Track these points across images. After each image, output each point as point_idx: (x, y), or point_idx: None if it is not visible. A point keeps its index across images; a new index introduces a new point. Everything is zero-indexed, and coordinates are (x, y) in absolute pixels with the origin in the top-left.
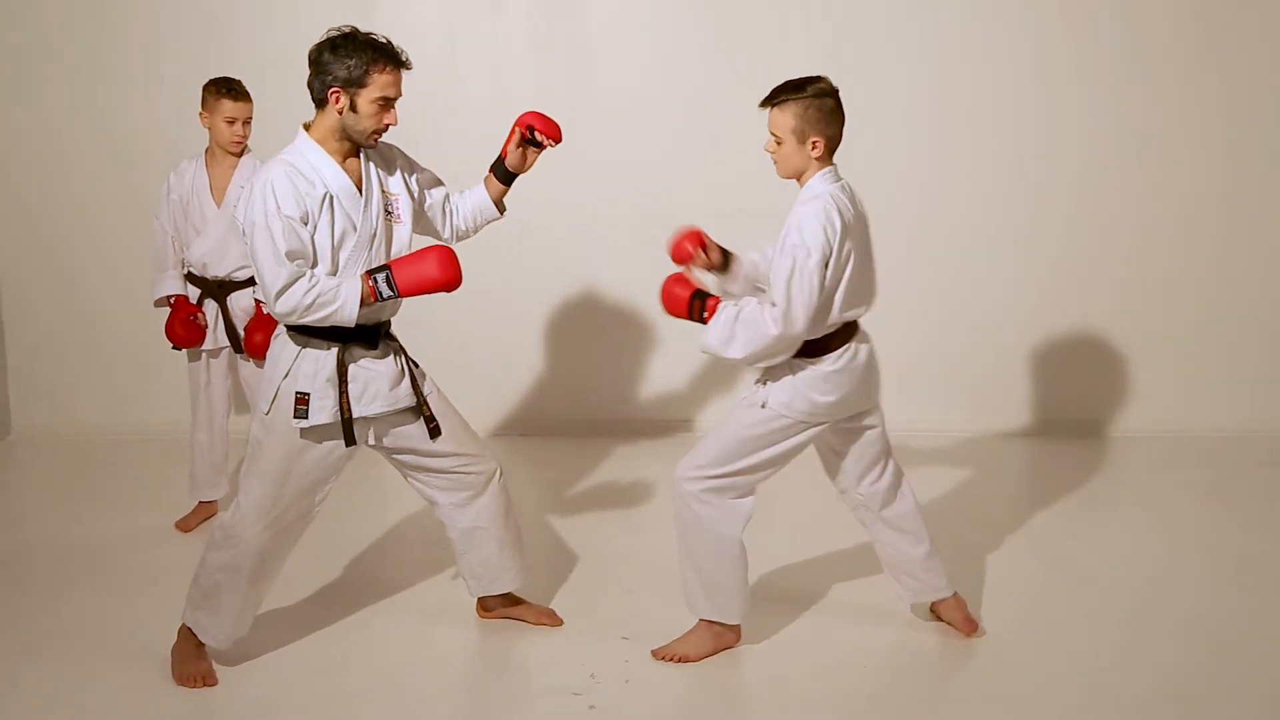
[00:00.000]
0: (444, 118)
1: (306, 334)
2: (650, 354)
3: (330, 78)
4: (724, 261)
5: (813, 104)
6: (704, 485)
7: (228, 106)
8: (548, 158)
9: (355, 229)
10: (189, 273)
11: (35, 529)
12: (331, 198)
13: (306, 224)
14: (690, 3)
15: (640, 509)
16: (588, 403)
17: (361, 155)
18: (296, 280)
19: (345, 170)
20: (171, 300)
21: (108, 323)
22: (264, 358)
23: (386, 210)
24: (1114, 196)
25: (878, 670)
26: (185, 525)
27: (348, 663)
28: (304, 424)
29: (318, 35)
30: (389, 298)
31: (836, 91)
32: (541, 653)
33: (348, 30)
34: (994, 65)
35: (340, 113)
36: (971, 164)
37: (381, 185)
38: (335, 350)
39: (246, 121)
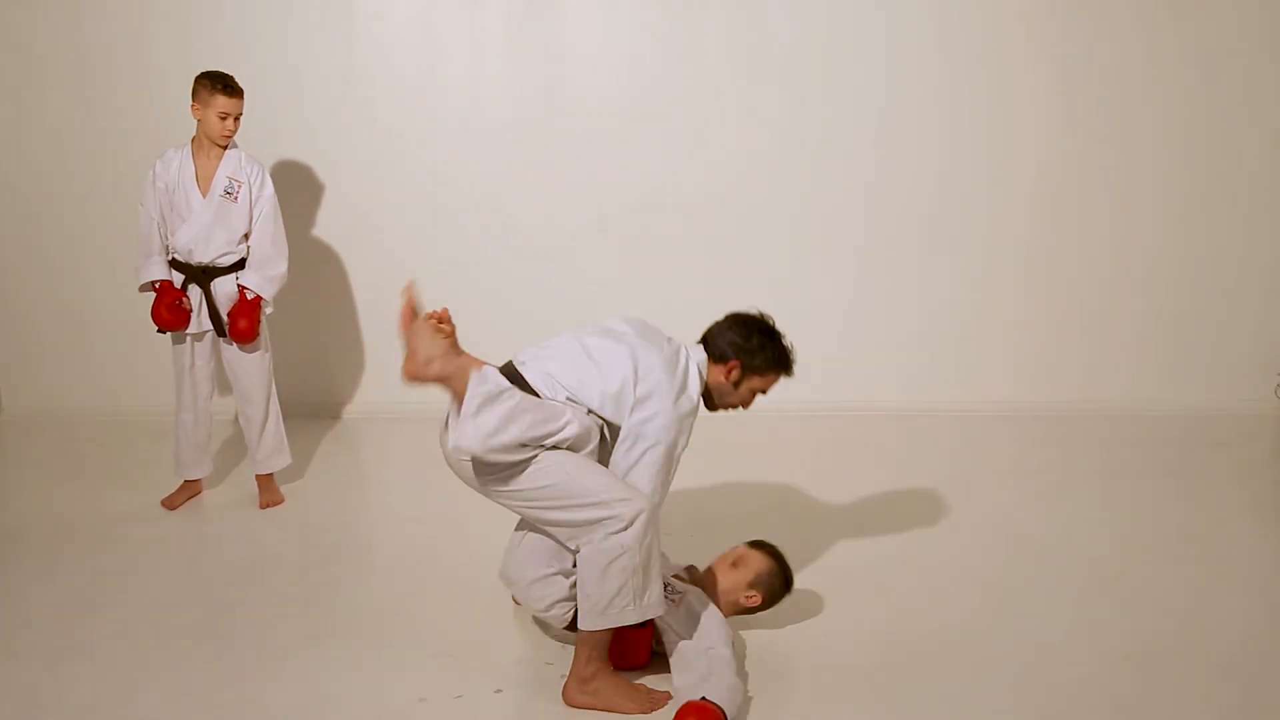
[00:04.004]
0: (422, 114)
1: None
2: None
3: (744, 354)
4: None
5: None
6: None
7: (222, 101)
8: (519, 156)
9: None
10: (173, 259)
11: (25, 507)
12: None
13: None
14: (660, 5)
15: None
16: None
17: None
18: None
19: None
20: (157, 285)
21: (95, 307)
22: (248, 342)
23: None
24: (1073, 185)
25: (835, 642)
26: (171, 503)
27: (329, 633)
28: None
29: (304, 29)
30: None
31: None
32: (515, 624)
33: (772, 324)
34: (953, 63)
35: (725, 380)
36: (932, 155)
37: None
38: None
39: (237, 117)
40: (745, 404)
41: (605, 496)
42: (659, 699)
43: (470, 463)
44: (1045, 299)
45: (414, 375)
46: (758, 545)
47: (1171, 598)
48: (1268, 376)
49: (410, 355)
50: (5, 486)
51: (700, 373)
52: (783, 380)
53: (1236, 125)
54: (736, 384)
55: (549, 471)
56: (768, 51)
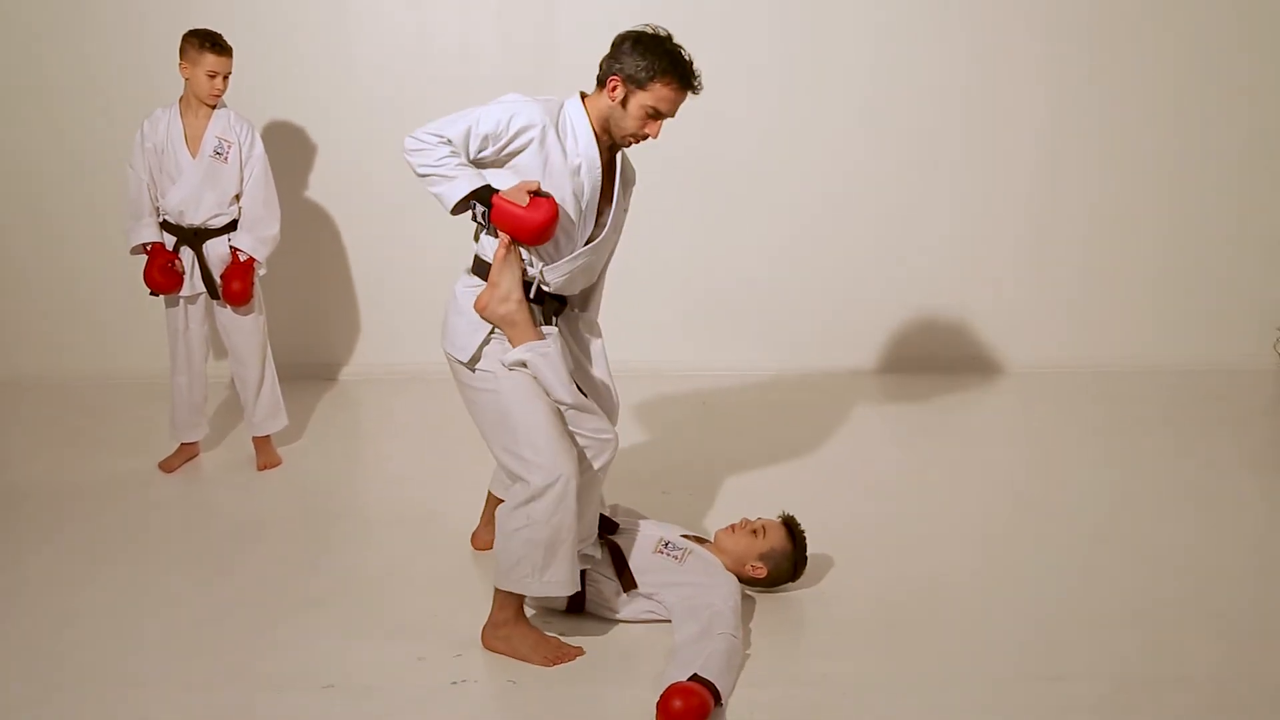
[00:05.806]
0: (414, 73)
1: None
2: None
3: (617, 66)
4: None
5: None
6: None
7: (210, 60)
8: None
9: (577, 201)
10: (164, 220)
11: (22, 472)
12: (581, 165)
13: (516, 146)
14: None
15: None
16: None
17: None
18: (441, 145)
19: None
20: (148, 248)
21: (90, 270)
22: (241, 304)
23: (598, 215)
24: (1071, 142)
25: (836, 601)
26: (168, 466)
27: (328, 594)
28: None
29: None
30: (479, 214)
31: None
32: None
33: (660, 34)
34: (950, 20)
35: (613, 102)
36: (927, 112)
37: (616, 193)
38: None
39: (226, 76)
40: (641, 130)
41: (527, 454)
42: (567, 654)
43: (461, 364)
44: (1042, 255)
45: (485, 305)
46: (788, 523)
47: (1172, 553)
48: (1266, 332)
49: (491, 286)
50: (2, 451)
51: (582, 110)
52: (687, 97)
53: (1234, 81)
54: (624, 103)
55: (497, 400)
56: (761, 5)
